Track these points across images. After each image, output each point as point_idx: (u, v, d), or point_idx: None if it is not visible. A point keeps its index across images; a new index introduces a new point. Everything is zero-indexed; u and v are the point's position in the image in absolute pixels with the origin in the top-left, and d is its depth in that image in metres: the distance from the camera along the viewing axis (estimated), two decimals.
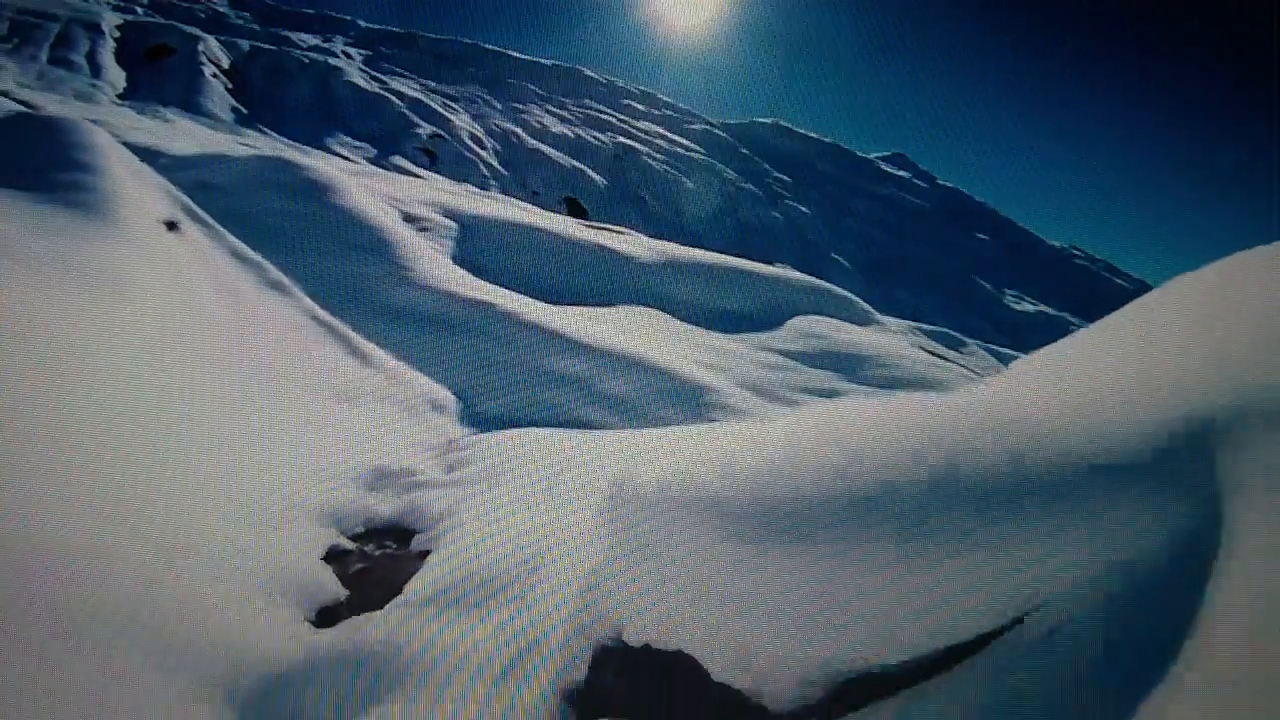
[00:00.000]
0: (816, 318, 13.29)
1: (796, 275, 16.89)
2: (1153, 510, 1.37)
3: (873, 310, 15.71)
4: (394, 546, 3.92)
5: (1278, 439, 1.37)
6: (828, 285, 15.89)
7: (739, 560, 1.78)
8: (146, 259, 6.73)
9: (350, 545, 3.87)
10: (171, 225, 7.84)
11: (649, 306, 12.79)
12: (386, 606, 3.03)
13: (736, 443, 2.33)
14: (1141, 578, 1.23)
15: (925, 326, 19.00)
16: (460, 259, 13.53)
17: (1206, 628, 1.11)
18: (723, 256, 16.55)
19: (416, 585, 3.15)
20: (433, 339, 9.90)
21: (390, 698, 2.29)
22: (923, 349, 13.88)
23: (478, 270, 13.16)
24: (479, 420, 8.13)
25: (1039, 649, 1.27)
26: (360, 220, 13.00)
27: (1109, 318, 2.70)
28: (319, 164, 15.59)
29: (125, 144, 14.31)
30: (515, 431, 6.95)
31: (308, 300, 8.49)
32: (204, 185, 12.83)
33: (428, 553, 3.63)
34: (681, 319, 12.57)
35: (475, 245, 14.24)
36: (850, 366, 11.26)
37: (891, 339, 13.50)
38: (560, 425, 8.03)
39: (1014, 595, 1.32)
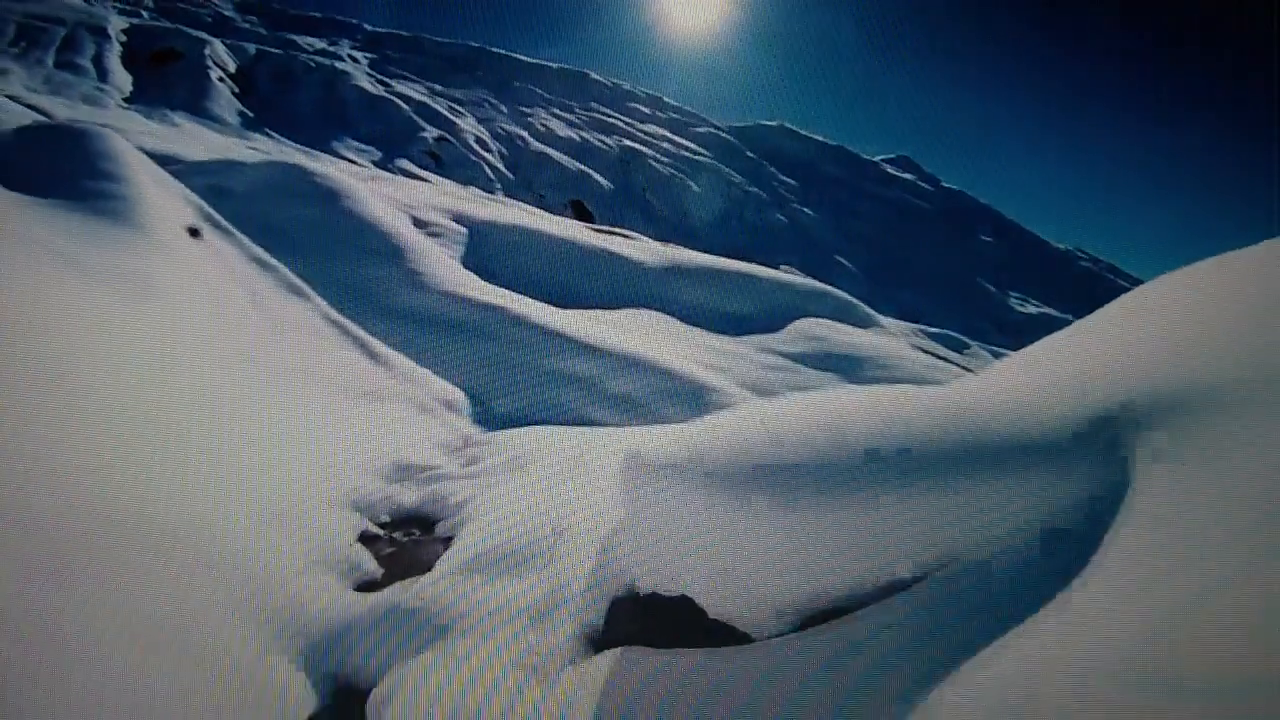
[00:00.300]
0: (817, 320, 13.59)
1: (799, 278, 17.18)
2: (1070, 478, 1.68)
3: (874, 313, 16.00)
4: (418, 534, 4.23)
5: (1174, 422, 1.68)
6: (829, 288, 16.19)
7: (732, 517, 2.10)
8: (174, 264, 7.07)
9: (379, 531, 4.19)
10: (194, 232, 8.18)
11: (654, 309, 13.10)
12: (423, 577, 3.35)
13: (736, 421, 2.65)
14: (1052, 530, 1.54)
15: (928, 329, 19.26)
16: (470, 263, 13.86)
17: (1096, 569, 1.42)
18: (726, 260, 16.85)
19: (450, 557, 3.47)
20: (445, 341, 10.22)
21: (434, 646, 2.61)
22: (922, 350, 14.17)
23: (487, 274, 13.48)
24: (491, 419, 8.45)
25: (959, 585, 1.58)
26: (373, 226, 13.33)
27: (1085, 319, 3.02)
28: (332, 170, 15.93)
29: (139, 150, 14.65)
30: (527, 429, 7.26)
31: (324, 304, 8.82)
32: (218, 191, 13.19)
33: (450, 539, 3.94)
34: (685, 321, 12.87)
35: (484, 250, 14.56)
36: (849, 368, 11.55)
37: (891, 341, 13.78)
38: (569, 424, 8.34)
39: (944, 543, 1.64)
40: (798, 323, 13.43)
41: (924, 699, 1.38)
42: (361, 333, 8.73)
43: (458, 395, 8.67)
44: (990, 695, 1.26)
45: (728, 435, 2.38)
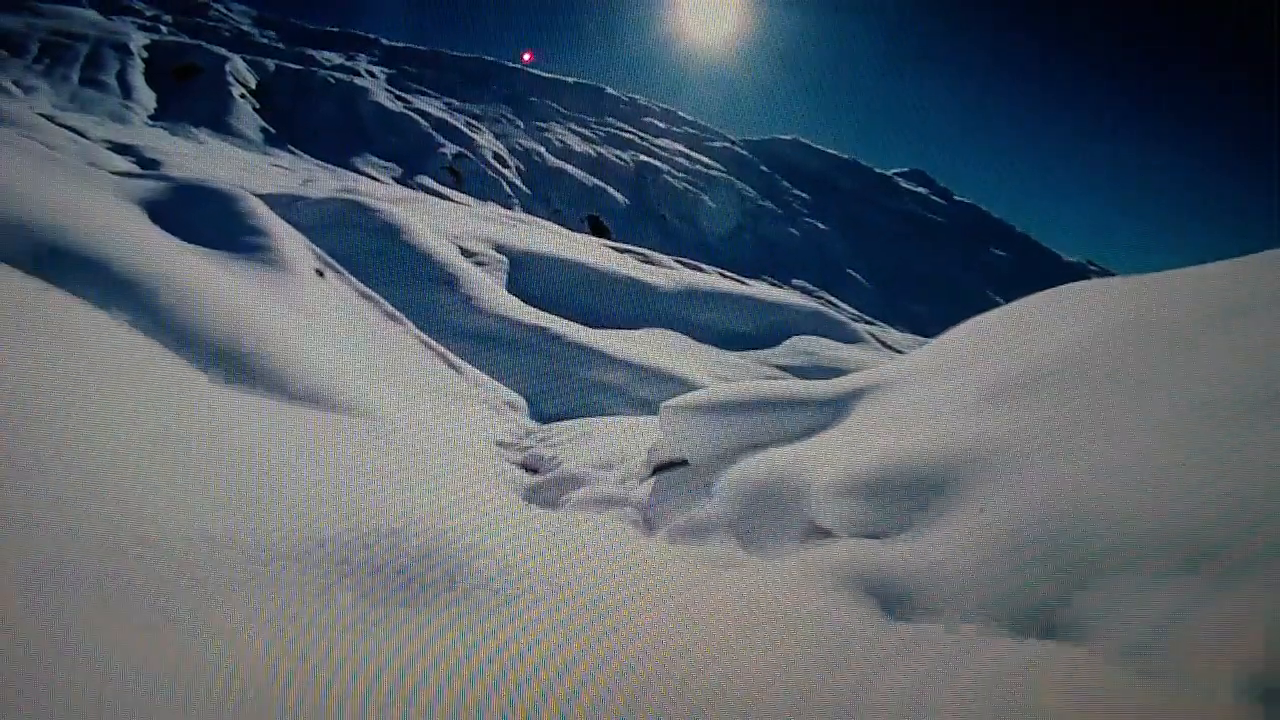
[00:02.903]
0: (810, 338, 16.31)
1: (797, 300, 19.92)
2: (825, 414, 4.42)
3: (860, 330, 18.71)
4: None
5: (875, 392, 4.41)
6: (822, 309, 18.95)
7: (710, 424, 4.79)
8: (317, 298, 9.88)
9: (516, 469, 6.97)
10: (320, 272, 11.00)
11: (671, 329, 15.86)
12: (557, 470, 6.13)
13: (717, 388, 5.38)
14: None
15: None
16: (512, 288, 16.66)
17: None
18: (733, 284, 19.63)
19: (564, 465, 6.24)
20: (500, 355, 12.96)
21: (574, 490, 5.35)
22: None
23: (527, 298, 16.26)
24: (543, 417, 11.16)
25: None
26: (429, 256, 16.12)
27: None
28: (390, 207, 18.73)
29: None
30: (576, 420, 10.00)
31: (414, 327, 11.61)
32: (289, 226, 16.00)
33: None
34: (696, 339, 15.62)
35: (524, 277, 17.35)
36: (833, 377, 14.27)
37: (872, 354, 16.49)
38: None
39: None
40: (792, 339, 16.15)
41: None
42: (443, 349, 11.51)
43: (517, 398, 11.41)
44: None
45: (715, 393, 5.04)
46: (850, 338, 17.60)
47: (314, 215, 17.58)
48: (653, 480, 4.77)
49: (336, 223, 17.13)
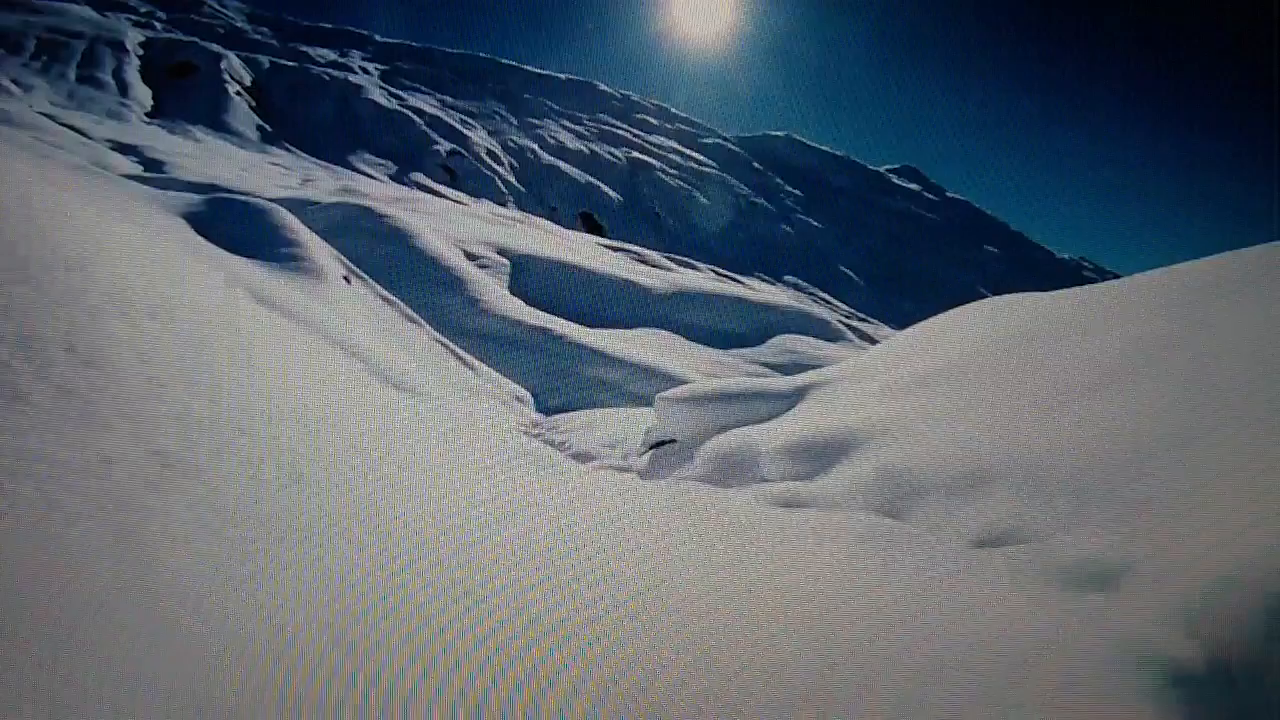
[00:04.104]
0: (794, 336, 17.69)
1: (783, 300, 21.30)
2: (786, 403, 5.77)
3: (843, 328, 20.09)
4: None
5: (821, 386, 5.76)
6: (807, 309, 20.34)
7: (698, 413, 6.11)
8: (349, 301, 11.20)
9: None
10: (347, 279, 12.31)
11: (663, 329, 17.21)
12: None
13: (703, 382, 6.72)
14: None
15: None
16: (514, 290, 17.97)
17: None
18: (722, 285, 20.98)
19: (577, 439, 7.53)
20: (506, 353, 14.28)
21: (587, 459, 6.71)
22: None
23: (529, 299, 17.57)
24: (548, 410, 12.48)
25: None
26: (437, 261, 17.42)
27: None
28: (398, 211, 20.03)
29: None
30: (579, 412, 11.34)
31: (430, 328, 12.93)
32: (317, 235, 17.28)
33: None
34: (687, 338, 16.98)
35: (525, 279, 18.67)
36: None
37: (851, 351, 17.86)
38: None
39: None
40: (777, 338, 17.53)
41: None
42: (457, 348, 12.83)
43: (524, 392, 12.74)
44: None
45: (698, 387, 6.37)
46: (832, 336, 18.97)
47: (324, 220, 18.69)
48: (649, 454, 6.09)
49: (347, 228, 18.28)
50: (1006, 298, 6.75)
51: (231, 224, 12.32)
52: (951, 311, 7.18)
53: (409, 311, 12.98)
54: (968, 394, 4.11)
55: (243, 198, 14.25)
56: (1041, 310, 5.15)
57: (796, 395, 5.78)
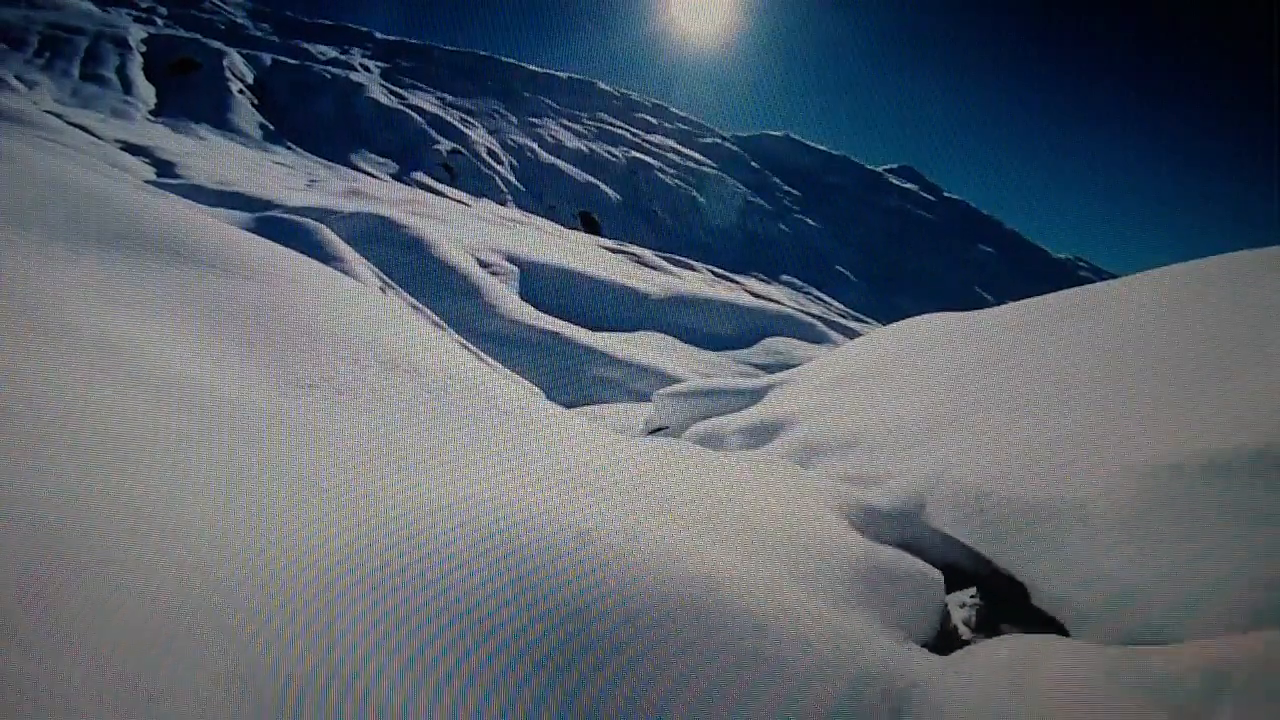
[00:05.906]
0: (781, 339, 19.64)
1: (772, 304, 23.27)
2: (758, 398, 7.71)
3: (828, 330, 22.03)
4: None
5: (781, 387, 7.71)
6: (793, 312, 22.30)
7: (693, 405, 7.97)
8: (390, 311, 13.11)
9: None
10: (383, 289, 14.22)
11: (661, 332, 19.15)
12: None
13: (696, 383, 8.57)
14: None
15: None
16: (525, 296, 19.88)
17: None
18: (716, 290, 22.94)
19: None
20: (520, 354, 16.19)
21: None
22: None
23: (537, 304, 19.48)
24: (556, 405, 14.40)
25: None
26: (453, 269, 19.31)
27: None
28: (415, 221, 21.91)
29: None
30: (585, 407, 13.26)
31: (455, 334, 14.83)
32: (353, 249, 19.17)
33: None
34: (682, 340, 18.93)
35: (534, 285, 20.60)
36: None
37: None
38: None
39: None
40: (766, 340, 19.48)
41: None
42: (479, 351, 14.73)
43: (536, 390, 14.65)
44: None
45: (686, 386, 8.23)
46: (818, 338, 20.90)
47: (347, 230, 20.45)
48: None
49: (370, 238, 20.11)
50: (925, 317, 8.64)
51: (285, 242, 14.17)
52: (888, 327, 9.14)
53: (435, 317, 14.89)
54: (862, 389, 6.06)
55: (287, 215, 16.14)
56: (941, 327, 7.07)
57: (760, 392, 7.70)
